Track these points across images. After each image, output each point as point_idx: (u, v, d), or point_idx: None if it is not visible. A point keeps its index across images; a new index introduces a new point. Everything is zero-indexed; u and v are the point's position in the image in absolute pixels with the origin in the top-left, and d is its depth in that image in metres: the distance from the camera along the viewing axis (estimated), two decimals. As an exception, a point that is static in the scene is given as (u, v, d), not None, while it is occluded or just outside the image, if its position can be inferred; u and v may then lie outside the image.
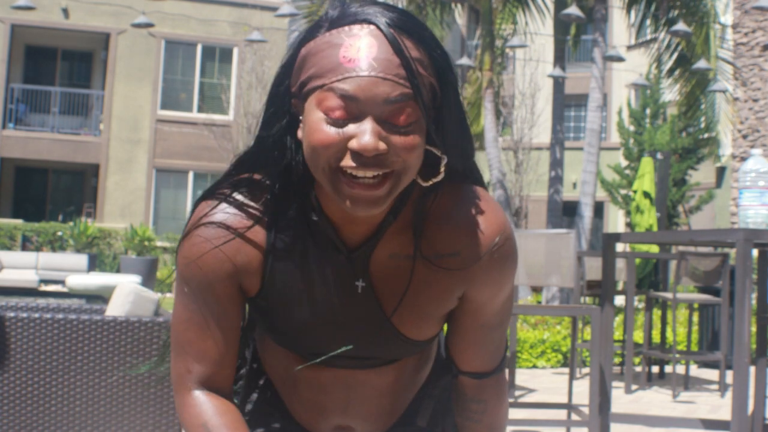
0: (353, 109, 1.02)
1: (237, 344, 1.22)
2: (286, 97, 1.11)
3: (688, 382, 6.10)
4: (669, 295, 5.88)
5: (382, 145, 1.02)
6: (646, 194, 8.35)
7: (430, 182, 1.12)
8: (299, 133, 1.10)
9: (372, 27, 1.04)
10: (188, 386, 1.21)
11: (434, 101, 1.09)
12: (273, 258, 1.17)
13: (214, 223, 1.16)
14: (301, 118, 1.09)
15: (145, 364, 1.42)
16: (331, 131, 1.02)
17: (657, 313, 7.63)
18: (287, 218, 1.16)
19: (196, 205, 1.21)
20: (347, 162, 1.02)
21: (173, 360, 1.23)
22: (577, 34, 12.81)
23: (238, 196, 1.17)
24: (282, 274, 1.17)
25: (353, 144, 1.02)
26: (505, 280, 1.20)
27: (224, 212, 1.17)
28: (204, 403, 1.20)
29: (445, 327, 1.31)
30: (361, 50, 1.02)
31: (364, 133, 1.01)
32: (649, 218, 8.31)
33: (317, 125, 1.03)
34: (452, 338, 1.27)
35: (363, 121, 1.02)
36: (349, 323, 1.20)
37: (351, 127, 1.02)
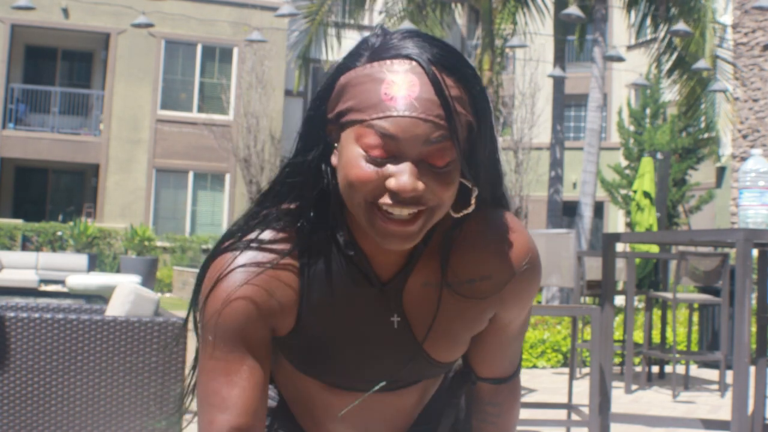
0: (392, 147, 1.01)
1: (266, 394, 1.16)
2: (323, 122, 1.09)
3: (688, 382, 6.10)
4: (669, 295, 5.88)
5: (421, 186, 1.01)
6: (646, 194, 8.35)
7: (461, 213, 1.12)
8: (333, 160, 1.09)
9: (414, 63, 1.03)
10: None
11: (470, 135, 1.09)
12: (307, 294, 1.13)
13: (241, 267, 1.12)
14: (336, 145, 1.08)
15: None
16: (369, 168, 1.02)
17: (657, 313, 7.63)
18: (319, 252, 1.13)
19: (217, 253, 1.15)
20: (384, 200, 1.02)
21: (199, 417, 1.15)
22: (581, 35, 12.82)
23: (265, 235, 1.14)
24: (315, 310, 1.14)
25: (392, 183, 1.01)
26: (531, 297, 1.23)
27: (250, 256, 1.13)
28: None
29: None
30: (402, 88, 1.01)
31: (403, 174, 1.01)
32: (649, 218, 8.31)
33: (355, 161, 1.03)
34: (474, 349, 1.28)
35: (401, 160, 1.02)
36: (382, 354, 1.19)
37: (389, 166, 1.02)
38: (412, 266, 1.15)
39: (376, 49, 1.05)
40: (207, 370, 1.14)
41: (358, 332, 1.17)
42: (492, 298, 1.18)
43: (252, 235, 1.13)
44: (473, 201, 1.12)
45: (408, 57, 1.03)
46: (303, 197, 1.12)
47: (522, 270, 1.18)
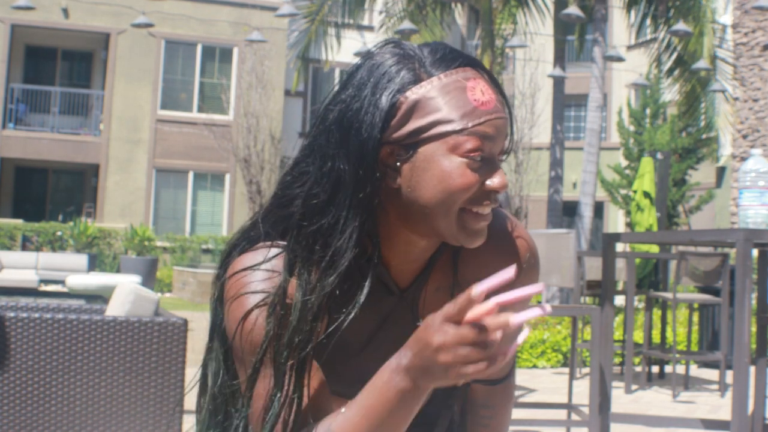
0: (487, 149, 1.06)
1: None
2: (376, 147, 1.06)
3: (688, 382, 6.10)
4: (669, 295, 5.88)
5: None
6: (646, 194, 8.35)
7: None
8: (398, 181, 1.07)
9: (473, 69, 1.08)
10: None
11: None
12: (331, 308, 1.12)
13: (262, 293, 1.10)
14: (399, 164, 1.07)
15: None
16: (473, 174, 1.05)
17: (657, 313, 7.63)
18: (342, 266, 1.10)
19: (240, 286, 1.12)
20: (484, 202, 1.07)
21: None
22: (581, 35, 12.83)
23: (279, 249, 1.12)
24: (336, 321, 1.13)
25: (494, 183, 1.06)
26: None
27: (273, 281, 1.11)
28: None
29: None
30: (485, 93, 1.06)
31: (499, 172, 1.07)
32: (649, 218, 8.31)
33: (458, 170, 1.04)
34: None
35: (491, 160, 1.07)
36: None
37: (484, 167, 1.06)
38: (428, 273, 1.17)
39: (429, 63, 1.07)
40: (261, 394, 1.11)
41: (376, 340, 1.18)
42: None
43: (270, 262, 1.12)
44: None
45: (468, 64, 1.08)
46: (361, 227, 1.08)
47: (526, 266, 1.21)
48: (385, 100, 1.05)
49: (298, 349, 1.08)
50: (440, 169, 1.04)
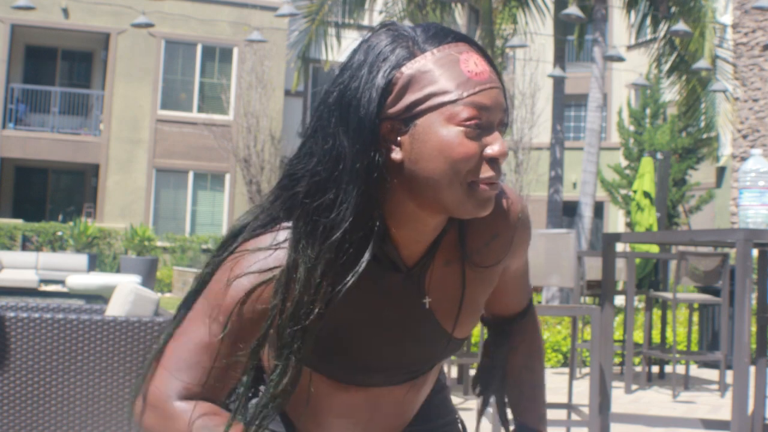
0: (484, 119, 1.08)
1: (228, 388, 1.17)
2: (376, 124, 1.08)
3: (688, 382, 6.10)
4: (669, 295, 5.88)
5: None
6: (646, 194, 8.35)
7: None
8: (397, 155, 1.09)
9: (466, 44, 1.11)
10: (173, 400, 1.13)
11: None
12: (335, 282, 1.12)
13: (267, 261, 1.12)
14: (399, 139, 1.09)
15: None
16: (472, 143, 1.08)
17: (657, 313, 7.64)
18: (347, 242, 1.10)
19: (239, 231, 1.16)
20: (486, 171, 1.09)
21: (159, 372, 1.15)
22: (580, 35, 12.83)
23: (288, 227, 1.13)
24: (343, 300, 1.13)
25: (494, 150, 1.08)
26: (529, 240, 1.32)
27: (276, 243, 1.12)
28: (194, 408, 1.12)
29: None
30: (478, 65, 1.10)
31: (497, 140, 1.09)
32: (649, 218, 8.31)
33: (456, 139, 1.07)
34: (498, 299, 1.39)
35: (489, 129, 1.10)
36: (405, 339, 1.21)
37: (483, 137, 1.09)
38: (435, 250, 1.19)
39: (422, 40, 1.10)
40: (197, 342, 1.13)
41: (383, 318, 1.19)
42: (503, 255, 1.26)
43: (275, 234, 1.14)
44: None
45: (460, 40, 1.11)
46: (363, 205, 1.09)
47: (520, 220, 1.27)
48: (381, 77, 1.07)
49: (300, 322, 1.09)
50: (439, 140, 1.07)
